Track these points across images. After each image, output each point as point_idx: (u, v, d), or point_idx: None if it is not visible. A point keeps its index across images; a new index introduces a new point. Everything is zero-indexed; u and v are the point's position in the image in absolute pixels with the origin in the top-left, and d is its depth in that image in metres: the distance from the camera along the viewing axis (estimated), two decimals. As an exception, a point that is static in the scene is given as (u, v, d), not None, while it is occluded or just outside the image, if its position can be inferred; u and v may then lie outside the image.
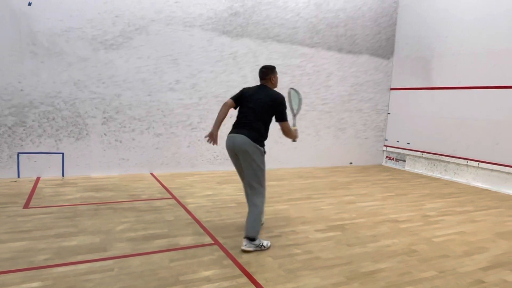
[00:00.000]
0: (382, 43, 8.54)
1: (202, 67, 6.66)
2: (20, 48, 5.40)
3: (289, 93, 4.06)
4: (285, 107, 3.59)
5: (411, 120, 8.31)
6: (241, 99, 3.65)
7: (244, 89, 3.77)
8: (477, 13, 7.01)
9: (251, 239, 3.34)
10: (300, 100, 4.13)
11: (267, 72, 3.67)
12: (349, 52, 8.12)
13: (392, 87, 8.79)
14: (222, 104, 3.73)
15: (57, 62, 5.63)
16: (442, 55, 7.63)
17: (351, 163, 8.43)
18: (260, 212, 3.45)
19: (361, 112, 8.51)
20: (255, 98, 3.57)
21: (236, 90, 6.94)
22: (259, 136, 3.49)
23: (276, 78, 3.74)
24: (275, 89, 3.70)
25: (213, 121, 3.71)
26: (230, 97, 3.75)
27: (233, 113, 3.69)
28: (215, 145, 3.85)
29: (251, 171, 3.42)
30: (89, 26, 5.75)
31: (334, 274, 2.99)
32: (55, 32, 5.56)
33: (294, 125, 3.89)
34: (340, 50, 8.00)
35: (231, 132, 3.56)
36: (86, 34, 5.75)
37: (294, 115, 4.04)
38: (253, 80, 7.15)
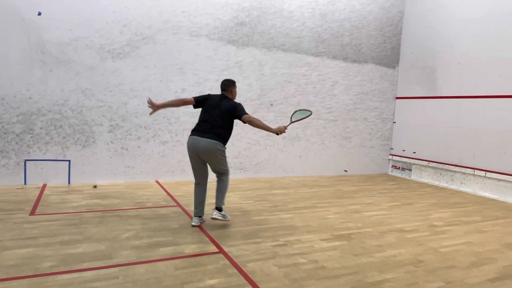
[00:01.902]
0: (387, 52, 8.56)
1: (208, 76, 6.71)
2: (29, 57, 5.49)
3: (294, 112, 4.47)
4: (242, 107, 4.12)
5: (417, 129, 8.28)
6: (204, 104, 4.18)
7: (209, 95, 4.29)
8: (482, 22, 7.01)
9: (219, 208, 4.10)
10: (307, 112, 4.43)
11: (229, 85, 4.26)
12: (354, 61, 8.15)
13: (397, 96, 8.78)
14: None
15: (65, 70, 5.71)
16: (448, 64, 7.63)
17: (345, 171, 8.34)
18: (227, 186, 4.22)
19: (366, 121, 8.50)
20: (221, 106, 4.07)
21: (241, 99, 7.04)
22: (222, 138, 4.02)
23: (235, 92, 4.33)
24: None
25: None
26: (193, 96, 4.25)
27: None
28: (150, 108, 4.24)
29: (216, 163, 4.09)
30: (97, 36, 5.84)
31: (340, 284, 2.97)
32: (64, 41, 5.65)
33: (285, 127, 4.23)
34: (345, 59, 8.03)
35: (193, 134, 4.03)
36: (94, 43, 5.83)
37: (291, 122, 4.43)
38: (259, 89, 7.20)
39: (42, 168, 5.71)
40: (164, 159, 6.52)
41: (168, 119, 6.47)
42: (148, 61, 6.22)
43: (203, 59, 6.64)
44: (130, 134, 6.23)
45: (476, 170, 7.02)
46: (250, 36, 7.01)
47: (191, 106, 4.28)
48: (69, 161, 5.85)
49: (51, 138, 5.73)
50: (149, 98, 4.21)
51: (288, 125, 4.41)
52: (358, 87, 8.27)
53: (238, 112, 4.05)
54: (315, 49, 7.68)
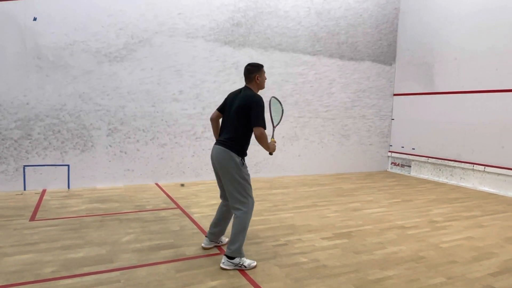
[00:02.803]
0: (384, 50, 8.57)
1: (205, 77, 6.71)
2: (26, 62, 5.48)
3: (270, 101, 3.61)
4: (260, 111, 3.07)
5: (416, 126, 8.29)
6: (225, 107, 3.35)
7: (228, 94, 3.45)
8: (477, 17, 7.03)
9: (229, 257, 3.08)
10: (282, 111, 3.68)
11: (252, 70, 3.25)
12: (351, 59, 8.16)
13: (395, 92, 8.79)
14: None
15: (62, 75, 5.70)
16: (444, 60, 7.64)
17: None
18: (243, 225, 3.06)
19: (364, 118, 8.51)
20: (233, 104, 3.22)
21: (239, 99, 7.03)
22: (235, 145, 3.09)
23: (263, 78, 3.31)
24: (260, 91, 3.31)
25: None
26: (216, 108, 3.53)
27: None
28: None
29: (229, 184, 3.07)
30: (93, 39, 5.84)
31: (342, 283, 2.97)
32: (60, 45, 5.65)
33: (272, 136, 3.42)
34: (342, 57, 8.04)
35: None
36: (90, 47, 5.83)
37: (274, 126, 3.56)
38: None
39: (41, 174, 5.70)
40: (163, 161, 6.52)
41: (166, 121, 6.47)
42: (145, 64, 6.22)
43: (200, 61, 6.64)
44: (129, 137, 6.23)
45: (475, 165, 7.03)
46: (246, 37, 7.01)
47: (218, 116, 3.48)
48: (68, 165, 5.85)
49: (50, 143, 5.72)
50: None
51: (273, 133, 3.52)
52: (355, 85, 8.28)
53: (252, 114, 3.05)
54: (312, 48, 7.68)
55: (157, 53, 6.28)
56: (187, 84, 6.57)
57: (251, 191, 3.18)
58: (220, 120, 3.43)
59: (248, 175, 3.16)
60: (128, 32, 6.06)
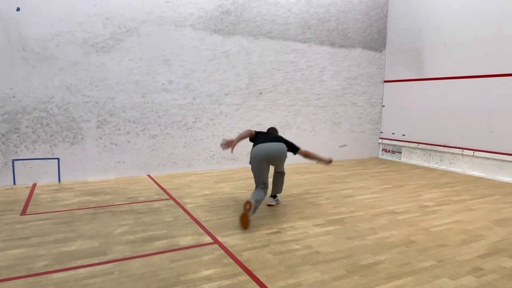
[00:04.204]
0: (374, 36, 8.55)
1: (195, 66, 6.64)
2: (10, 54, 5.35)
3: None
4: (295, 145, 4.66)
5: (406, 112, 8.35)
6: (259, 134, 4.68)
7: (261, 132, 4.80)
8: (467, 2, 7.03)
9: (274, 196, 4.79)
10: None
11: (276, 130, 4.97)
12: (342, 46, 8.13)
13: (385, 79, 8.81)
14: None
15: (48, 67, 5.59)
16: (434, 46, 7.66)
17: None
18: (284, 179, 4.81)
19: (355, 105, 8.53)
20: (274, 136, 4.60)
21: (229, 89, 7.02)
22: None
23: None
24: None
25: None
26: (255, 130, 4.73)
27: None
28: (222, 149, 4.60)
29: (281, 165, 4.62)
30: (79, 30, 5.71)
31: (334, 268, 3.01)
32: (45, 36, 5.52)
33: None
34: (332, 44, 8.01)
35: (261, 142, 4.36)
36: (76, 37, 5.71)
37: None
38: (247, 78, 7.15)
39: (31, 168, 5.63)
40: (154, 152, 6.48)
41: (156, 112, 6.41)
42: (133, 54, 6.12)
43: (189, 50, 6.56)
44: (119, 129, 6.17)
45: (464, 150, 7.13)
46: (236, 25, 6.93)
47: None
48: (58, 159, 5.78)
49: (38, 136, 5.64)
50: (224, 139, 4.50)
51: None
52: (346, 72, 8.27)
53: (293, 145, 4.58)
54: (302, 36, 7.63)
55: (145, 42, 6.18)
56: (176, 74, 6.50)
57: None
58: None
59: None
60: (115, 22, 5.94)
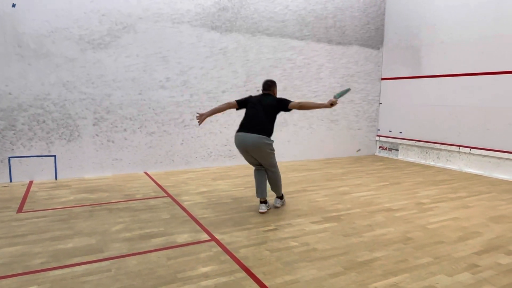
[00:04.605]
0: (372, 34, 8.55)
1: (192, 63, 6.62)
2: (6, 51, 5.31)
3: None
4: (285, 99, 4.27)
5: (403, 109, 8.36)
6: (247, 104, 4.31)
7: (250, 96, 4.46)
8: (464, 1, 7.04)
9: (280, 197, 4.54)
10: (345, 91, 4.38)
11: (271, 85, 4.42)
12: (339, 43, 8.13)
13: (383, 77, 8.82)
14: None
15: (44, 63, 5.55)
16: (431, 44, 7.67)
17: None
18: (279, 177, 4.39)
19: (353, 103, 8.54)
20: (263, 101, 4.23)
21: (227, 86, 6.98)
22: (268, 132, 4.13)
23: (276, 92, 4.46)
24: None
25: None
26: (235, 100, 4.38)
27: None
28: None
29: (265, 158, 4.17)
30: (76, 26, 5.68)
31: (331, 265, 3.02)
32: (41, 33, 5.48)
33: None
34: (330, 41, 8.00)
35: (240, 131, 4.14)
36: (73, 34, 5.67)
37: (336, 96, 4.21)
38: (244, 75, 7.13)
39: (27, 165, 5.61)
40: (151, 150, 6.46)
41: (153, 109, 6.39)
42: (130, 50, 6.09)
43: (187, 47, 6.53)
44: (116, 126, 6.14)
45: (461, 147, 7.16)
46: (233, 22, 6.90)
47: (235, 108, 4.41)
48: (55, 156, 5.76)
49: (35, 133, 5.61)
50: (198, 113, 4.43)
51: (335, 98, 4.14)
52: (343, 70, 8.27)
53: (283, 102, 4.20)
54: (300, 33, 7.62)
55: (142, 39, 6.15)
56: (174, 71, 6.47)
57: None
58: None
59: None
60: (112, 18, 5.90)
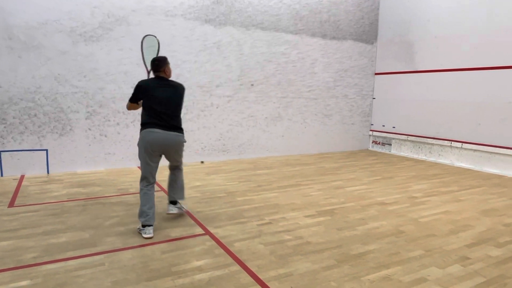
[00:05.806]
0: (366, 28, 8.55)
1: (185, 57, 6.56)
2: (-4, 43, 5.22)
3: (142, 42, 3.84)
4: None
5: (396, 104, 8.41)
6: (145, 94, 3.44)
7: (141, 84, 3.47)
8: (457, -4, 7.07)
9: (174, 202, 3.86)
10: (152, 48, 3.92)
11: (160, 65, 3.54)
12: (333, 38, 8.12)
13: (376, 72, 8.84)
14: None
15: (35, 56, 5.47)
16: (425, 39, 7.70)
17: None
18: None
19: (346, 98, 8.56)
20: (173, 92, 3.52)
21: (221, 80, 6.94)
22: (182, 129, 3.65)
23: (170, 70, 3.61)
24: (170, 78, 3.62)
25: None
26: (129, 100, 3.58)
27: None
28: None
29: (179, 156, 3.73)
30: (67, 18, 5.59)
31: (325, 258, 3.04)
32: (32, 25, 5.39)
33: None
34: (324, 36, 7.99)
35: (153, 128, 3.39)
36: (64, 26, 5.59)
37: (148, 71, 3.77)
38: (238, 69, 7.10)
39: (18, 159, 5.54)
40: (145, 144, 6.42)
41: (147, 103, 6.33)
42: (123, 43, 6.02)
43: (180, 40, 6.48)
44: (109, 120, 6.09)
45: (453, 142, 7.23)
46: (227, 15, 6.86)
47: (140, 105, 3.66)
48: (47, 150, 5.69)
49: (26, 127, 5.54)
50: None
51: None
52: (337, 64, 8.28)
53: (183, 98, 3.67)
54: (294, 27, 7.59)
55: (135, 32, 6.08)
56: (167, 64, 6.41)
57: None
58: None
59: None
60: (104, 10, 5.82)
